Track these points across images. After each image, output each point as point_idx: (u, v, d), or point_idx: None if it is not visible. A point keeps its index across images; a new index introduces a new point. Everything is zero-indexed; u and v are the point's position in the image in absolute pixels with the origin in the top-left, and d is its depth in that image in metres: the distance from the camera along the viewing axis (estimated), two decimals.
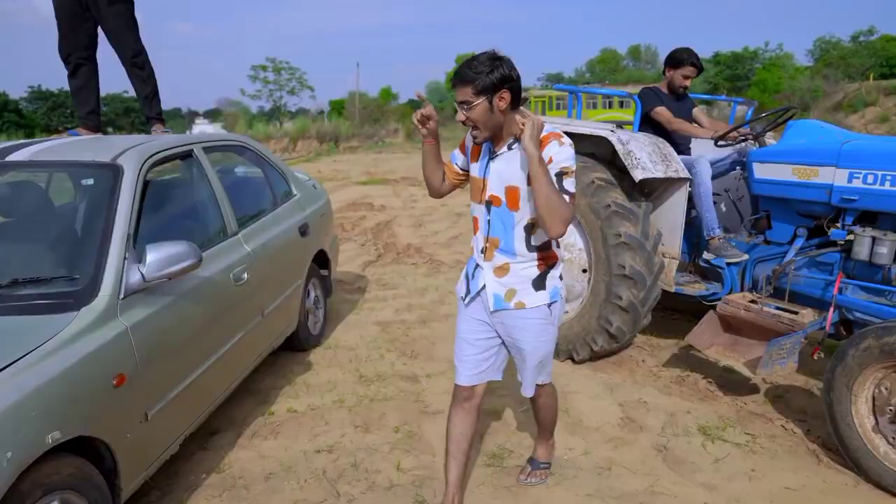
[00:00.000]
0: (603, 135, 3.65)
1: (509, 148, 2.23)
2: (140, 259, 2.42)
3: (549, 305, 2.31)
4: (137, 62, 3.92)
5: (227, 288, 3.01)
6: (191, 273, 2.60)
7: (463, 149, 2.41)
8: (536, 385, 2.49)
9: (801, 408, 3.39)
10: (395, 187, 12.62)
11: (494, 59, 2.08)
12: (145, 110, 4.03)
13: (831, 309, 3.14)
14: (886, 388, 2.70)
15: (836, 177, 3.17)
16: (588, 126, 3.78)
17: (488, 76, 2.06)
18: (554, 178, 2.10)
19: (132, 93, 4.22)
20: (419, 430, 3.23)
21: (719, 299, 3.57)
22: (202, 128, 54.47)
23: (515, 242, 2.26)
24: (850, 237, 3.15)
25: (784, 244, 3.53)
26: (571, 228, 3.91)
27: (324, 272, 4.58)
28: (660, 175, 3.56)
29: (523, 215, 2.23)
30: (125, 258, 2.41)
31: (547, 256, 2.31)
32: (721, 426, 3.20)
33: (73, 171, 2.83)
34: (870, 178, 3.06)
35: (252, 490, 2.76)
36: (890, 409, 2.68)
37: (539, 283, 2.30)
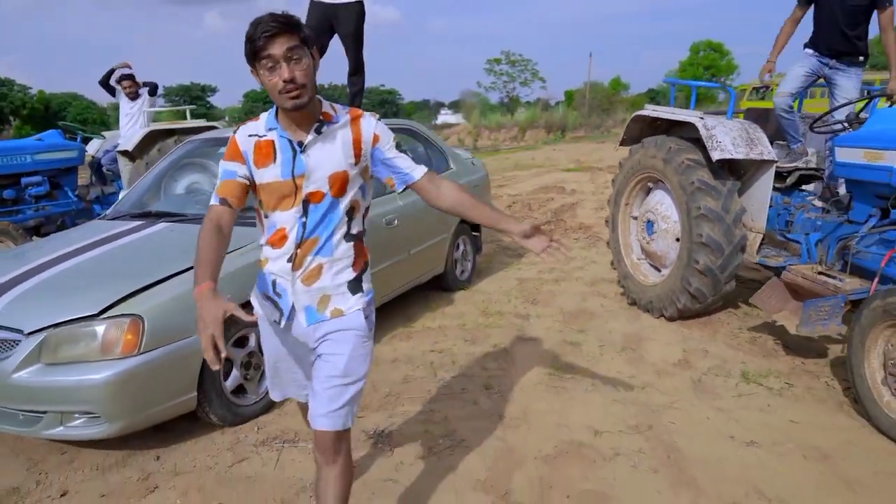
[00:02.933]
0: (691, 121, 4.22)
1: (318, 132, 1.87)
2: None
3: (366, 312, 2.00)
4: (359, 68, 5.40)
5: (380, 229, 4.27)
6: None
7: (239, 155, 1.90)
8: (337, 439, 1.93)
9: None
10: (594, 174, 13.29)
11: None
12: (348, 103, 5.50)
13: (875, 279, 3.43)
14: (893, 346, 3.04)
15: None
16: (680, 113, 4.36)
17: (305, 27, 1.79)
18: (394, 147, 1.97)
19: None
20: (512, 348, 4.20)
21: None
22: (444, 118, 59.25)
23: (336, 234, 1.94)
24: None
25: (860, 223, 3.80)
26: (668, 201, 4.53)
27: (475, 234, 5.70)
28: (740, 156, 4.05)
29: (347, 199, 1.94)
30: None
31: (362, 250, 2.03)
32: (763, 374, 3.68)
33: None
34: None
35: (379, 366, 3.98)
36: (892, 363, 3.02)
37: (356, 286, 2.00)
